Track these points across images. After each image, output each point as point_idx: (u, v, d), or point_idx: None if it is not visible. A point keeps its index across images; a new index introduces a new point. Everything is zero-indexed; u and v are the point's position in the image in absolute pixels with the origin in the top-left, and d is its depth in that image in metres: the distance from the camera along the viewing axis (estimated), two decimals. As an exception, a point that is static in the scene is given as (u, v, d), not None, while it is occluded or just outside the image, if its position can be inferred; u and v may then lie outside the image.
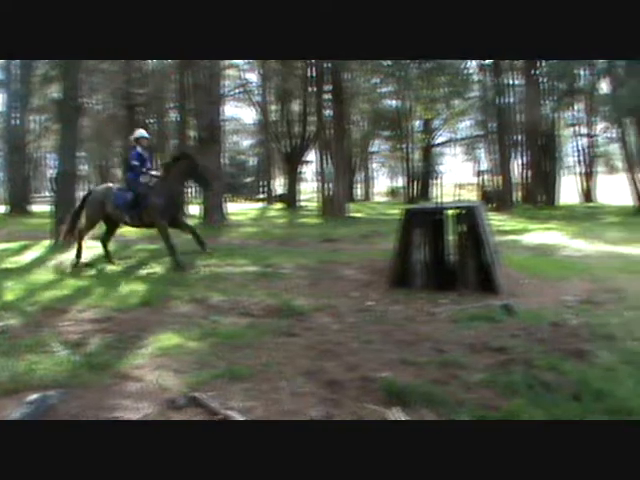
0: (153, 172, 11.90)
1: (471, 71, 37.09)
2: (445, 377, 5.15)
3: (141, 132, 12.18)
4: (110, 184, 13.24)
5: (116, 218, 11.74)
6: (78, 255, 11.61)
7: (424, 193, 42.15)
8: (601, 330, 6.65)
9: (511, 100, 35.59)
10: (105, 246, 11.95)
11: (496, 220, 21.32)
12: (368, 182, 54.54)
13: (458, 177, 44.90)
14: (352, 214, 27.82)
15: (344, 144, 28.89)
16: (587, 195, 40.63)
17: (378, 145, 52.33)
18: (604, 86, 33.41)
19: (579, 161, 41.41)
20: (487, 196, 34.11)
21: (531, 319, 7.17)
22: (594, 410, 4.36)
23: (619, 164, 39.14)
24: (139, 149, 11.81)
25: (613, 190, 38.21)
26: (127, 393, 4.76)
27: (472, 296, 8.44)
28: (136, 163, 11.61)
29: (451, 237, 9.14)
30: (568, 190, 39.67)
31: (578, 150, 41.68)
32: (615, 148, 39.60)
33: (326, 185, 28.15)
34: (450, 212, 9.18)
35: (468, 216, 9.00)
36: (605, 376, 5.08)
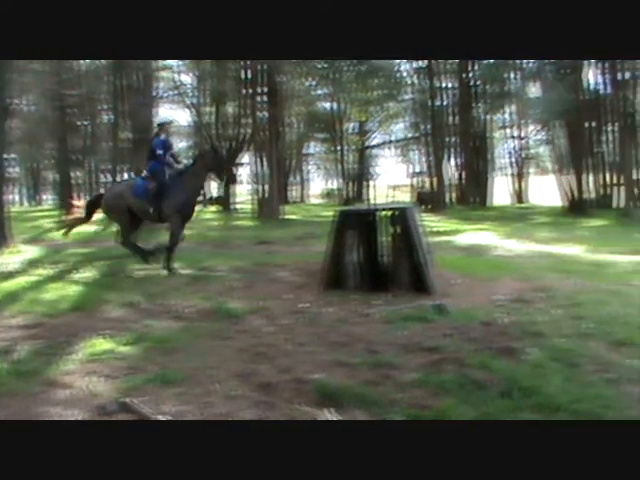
0: (177, 165, 11.39)
1: (404, 74, 37.42)
2: (378, 378, 5.19)
3: (165, 117, 11.67)
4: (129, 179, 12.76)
5: (138, 210, 11.15)
6: (144, 257, 11.17)
7: (359, 195, 42.26)
8: (531, 328, 6.79)
9: (444, 103, 35.96)
10: (131, 246, 11.36)
11: (430, 221, 21.52)
12: (303, 184, 54.53)
13: (392, 179, 45.08)
14: (287, 216, 27.79)
15: (279, 146, 28.87)
16: (519, 196, 41.24)
17: (313, 147, 52.34)
18: (534, 90, 34.03)
19: (511, 163, 42.03)
20: (421, 197, 34.33)
21: (463, 318, 7.26)
22: (523, 407, 4.46)
23: (549, 165, 39.74)
24: (163, 136, 11.33)
25: (544, 191, 38.87)
26: (56, 400, 4.69)
27: (405, 297, 8.48)
28: (160, 152, 11.07)
29: (384, 238, 9.18)
30: (500, 191, 40.23)
31: (510, 152, 42.32)
32: (545, 150, 40.33)
33: (261, 187, 28.07)
34: (383, 214, 9.23)
35: (401, 217, 9.06)
36: (534, 373, 5.20)
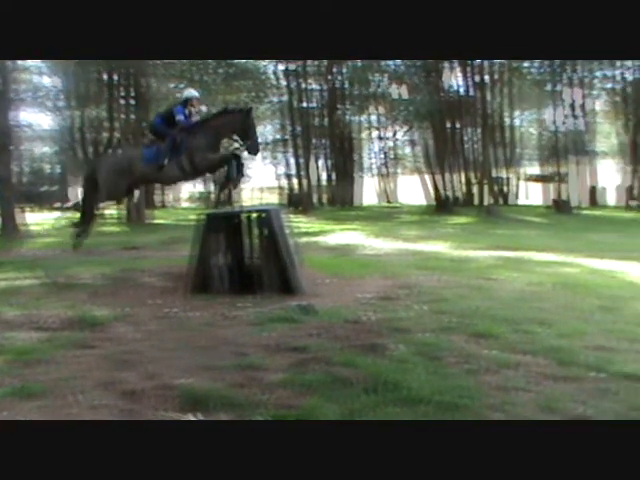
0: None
1: (272, 76, 37.61)
2: (244, 380, 5.18)
3: (191, 92, 10.84)
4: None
5: (152, 175, 10.68)
6: (83, 232, 10.80)
7: (229, 198, 42.15)
8: (396, 324, 6.97)
9: (312, 104, 36.34)
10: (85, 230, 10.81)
11: (299, 222, 21.72)
12: (173, 188, 53.86)
13: (263, 181, 45.23)
14: (156, 221, 27.45)
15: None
16: (387, 195, 42.12)
17: (182, 150, 51.79)
18: (402, 92, 34.90)
19: (379, 163, 42.83)
20: (292, 199, 34.64)
21: (329, 318, 7.36)
22: (387, 401, 4.55)
23: (417, 165, 40.78)
24: (187, 111, 10.59)
25: (412, 190, 39.83)
26: None
27: (273, 298, 8.52)
28: (181, 117, 10.43)
29: (251, 241, 9.20)
30: (369, 191, 40.98)
31: (378, 153, 43.12)
32: (413, 150, 41.34)
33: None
34: (248, 216, 9.24)
35: (266, 219, 9.09)
36: (398, 368, 5.32)
